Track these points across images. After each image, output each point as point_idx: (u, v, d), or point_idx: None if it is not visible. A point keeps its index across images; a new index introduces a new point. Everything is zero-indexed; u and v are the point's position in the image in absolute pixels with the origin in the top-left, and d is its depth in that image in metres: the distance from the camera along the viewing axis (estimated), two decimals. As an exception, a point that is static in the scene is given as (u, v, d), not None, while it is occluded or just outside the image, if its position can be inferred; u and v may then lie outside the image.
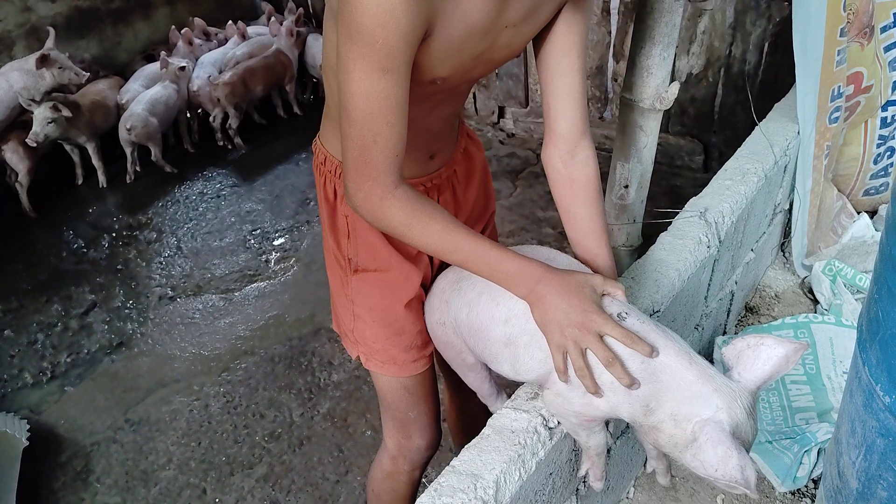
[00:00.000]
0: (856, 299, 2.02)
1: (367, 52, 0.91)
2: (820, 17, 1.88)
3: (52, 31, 3.99)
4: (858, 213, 2.33)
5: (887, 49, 2.13)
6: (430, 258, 1.34)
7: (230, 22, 4.85)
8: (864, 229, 2.24)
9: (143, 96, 4.14)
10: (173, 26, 4.75)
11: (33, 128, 3.71)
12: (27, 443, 2.42)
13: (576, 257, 1.26)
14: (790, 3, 1.90)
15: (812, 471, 1.62)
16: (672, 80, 1.70)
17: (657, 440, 0.99)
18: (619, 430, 1.47)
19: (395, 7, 0.88)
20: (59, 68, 3.90)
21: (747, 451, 0.96)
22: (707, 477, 0.93)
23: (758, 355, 0.99)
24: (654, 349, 0.98)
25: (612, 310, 1.05)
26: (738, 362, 1.00)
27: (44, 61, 3.85)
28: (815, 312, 2.11)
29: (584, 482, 1.36)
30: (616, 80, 3.95)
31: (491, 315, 1.15)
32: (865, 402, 1.09)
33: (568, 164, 1.24)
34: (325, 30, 1.13)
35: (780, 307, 2.19)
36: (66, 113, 3.78)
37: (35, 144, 3.72)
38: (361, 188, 1.00)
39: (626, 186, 1.76)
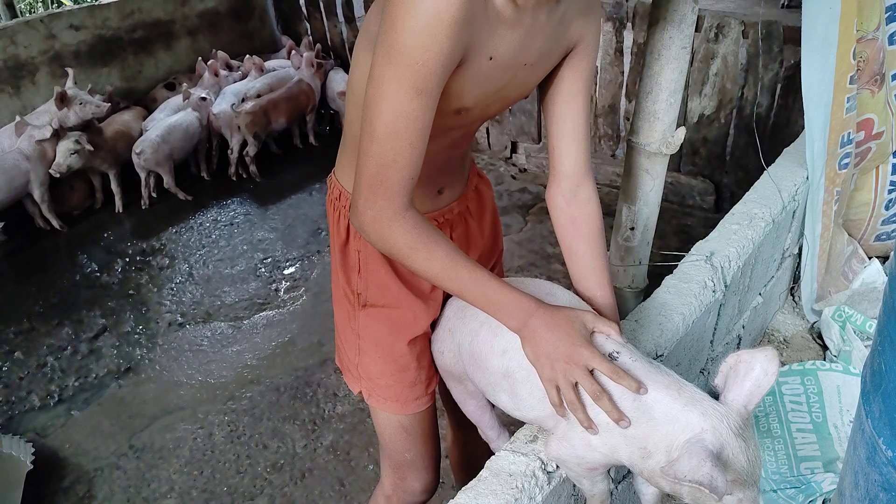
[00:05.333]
0: (865, 346, 2.00)
1: (404, 72, 0.93)
2: (829, 64, 1.90)
3: (70, 71, 4.11)
4: (870, 258, 2.32)
5: (898, 96, 2.14)
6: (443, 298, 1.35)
7: (247, 55, 4.96)
8: (874, 275, 2.23)
9: (161, 122, 4.22)
10: (199, 58, 4.88)
11: (56, 159, 3.81)
12: (31, 466, 2.42)
13: (577, 294, 1.26)
14: (801, 49, 1.91)
15: (817, 522, 1.59)
16: (682, 122, 1.71)
17: (659, 483, 0.99)
18: (621, 475, 1.46)
19: (440, 32, 0.91)
20: (80, 104, 4.00)
21: (754, 483, 0.96)
22: (674, 487, 0.95)
23: (737, 373, 1.00)
24: (642, 385, 0.99)
25: (606, 349, 1.06)
26: (726, 386, 1.01)
27: (63, 100, 3.95)
28: (825, 359, 2.09)
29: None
30: (628, 120, 3.97)
31: (490, 346, 1.17)
32: (868, 455, 1.08)
33: (570, 202, 1.26)
34: (355, 58, 1.14)
35: (789, 352, 2.17)
36: (87, 147, 3.89)
37: (58, 175, 3.81)
38: (373, 206, 1.01)
39: (632, 228, 1.77)
